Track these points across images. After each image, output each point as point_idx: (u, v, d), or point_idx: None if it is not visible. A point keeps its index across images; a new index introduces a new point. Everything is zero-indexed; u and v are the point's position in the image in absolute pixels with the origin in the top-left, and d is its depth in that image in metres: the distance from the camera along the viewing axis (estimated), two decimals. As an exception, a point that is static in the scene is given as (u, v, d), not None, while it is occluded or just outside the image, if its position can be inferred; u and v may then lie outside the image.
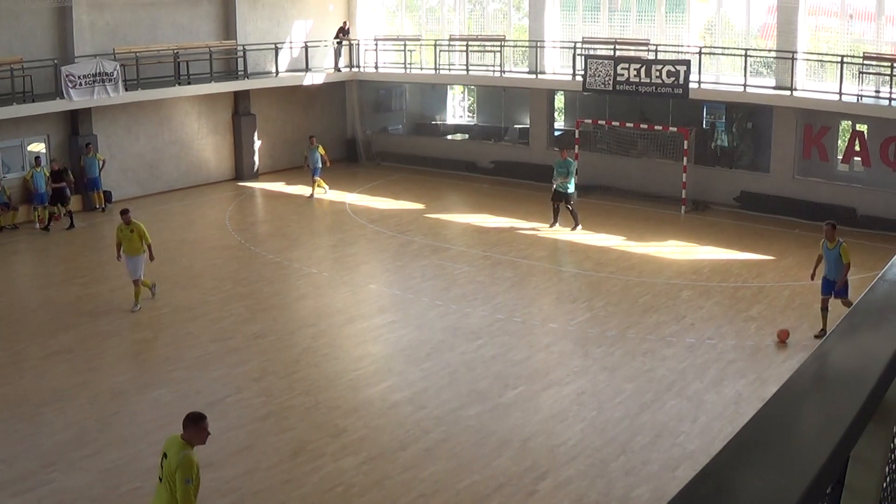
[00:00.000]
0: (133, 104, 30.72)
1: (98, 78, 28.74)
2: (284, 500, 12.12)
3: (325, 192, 31.09)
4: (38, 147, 29.70)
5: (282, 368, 16.69)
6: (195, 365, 17.03)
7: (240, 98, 34.06)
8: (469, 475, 12.94)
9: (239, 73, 33.31)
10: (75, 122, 29.92)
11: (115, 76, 29.10)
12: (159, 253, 20.50)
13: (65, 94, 28.18)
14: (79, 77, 28.34)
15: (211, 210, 30.69)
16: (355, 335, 18.76)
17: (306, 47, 34.55)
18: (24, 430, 14.40)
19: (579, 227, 25.51)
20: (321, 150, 30.68)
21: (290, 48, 35.27)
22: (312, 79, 34.62)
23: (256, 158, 34.72)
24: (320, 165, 30.73)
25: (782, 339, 17.35)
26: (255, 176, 34.43)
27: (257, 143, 34.61)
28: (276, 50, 34.07)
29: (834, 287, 17.00)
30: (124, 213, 20.16)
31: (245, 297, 21.05)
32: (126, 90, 29.59)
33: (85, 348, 18.05)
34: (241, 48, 32.90)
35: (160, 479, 9.43)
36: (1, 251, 26.21)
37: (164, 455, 9.36)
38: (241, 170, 34.34)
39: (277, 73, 34.47)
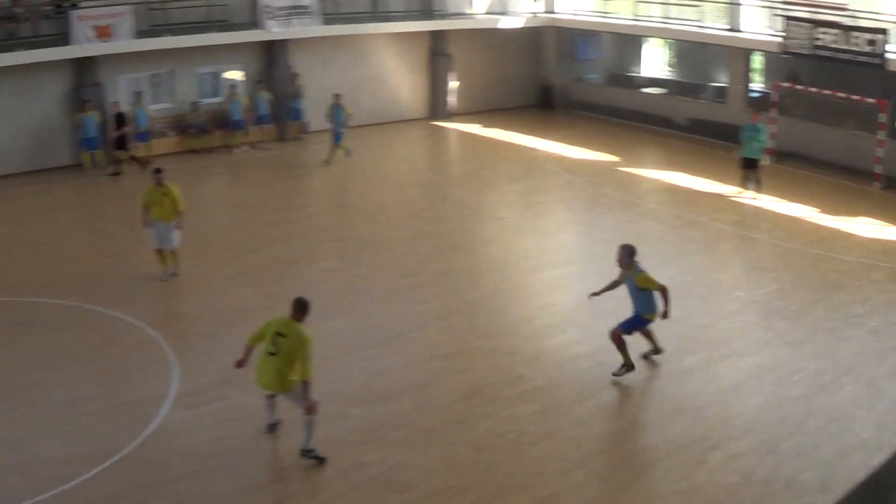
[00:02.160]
0: (330, 38, 31.50)
1: (295, 10, 29.68)
2: (454, 440, 12.33)
3: (349, 156, 28.78)
4: (235, 75, 31.12)
5: (464, 309, 16.90)
6: (378, 298, 17.48)
7: (436, 38, 34.37)
8: (642, 437, 12.95)
9: (436, 12, 33.66)
10: (273, 52, 31.02)
11: (311, 9, 29.96)
12: (357, 185, 20.90)
13: (262, 26, 29.33)
14: (276, 9, 29.39)
15: (403, 147, 31.33)
16: (540, 283, 18.79)
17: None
18: (203, 346, 15.26)
19: (761, 194, 24.64)
20: (347, 110, 28.43)
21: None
22: (509, 22, 34.58)
23: (452, 98, 34.98)
24: (345, 129, 28.32)
25: None
26: (450, 116, 34.78)
27: (453, 83, 34.84)
28: (474, -10, 34.17)
29: None
30: (157, 171, 18.72)
31: (433, 235, 21.42)
32: (323, 24, 30.47)
33: (268, 273, 18.82)
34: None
35: (272, 354, 11.42)
36: (197, 173, 27.74)
37: (279, 334, 11.43)
38: (435, 109, 34.76)
39: (474, 14, 34.59)
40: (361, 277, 18.61)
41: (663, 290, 13.86)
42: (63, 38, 26.95)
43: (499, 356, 14.89)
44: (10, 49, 26.48)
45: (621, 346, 14.00)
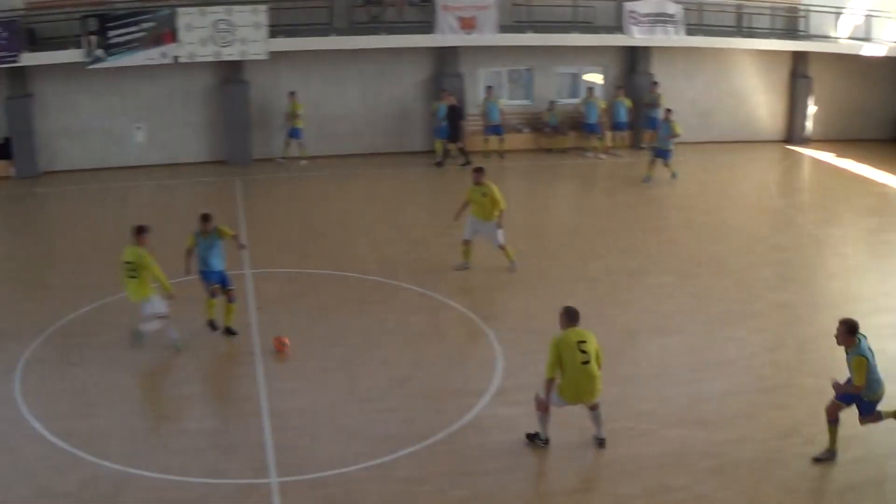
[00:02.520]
0: (693, 50, 30.93)
1: (659, 18, 29.40)
2: (765, 478, 11.69)
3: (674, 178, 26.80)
4: (594, 78, 31.23)
5: (795, 344, 16.03)
6: (711, 320, 16.90)
7: (798, 59, 32.87)
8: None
9: (800, 33, 32.31)
10: (634, 58, 30.91)
11: (676, 18, 29.55)
12: (703, 202, 20.47)
13: (626, 31, 29.31)
14: (641, 15, 29.21)
15: (755, 169, 30.19)
16: (876, 327, 17.66)
17: (869, 16, 32.63)
18: (530, 345, 15.03)
19: None
20: (676, 129, 26.50)
21: (853, 15, 33.42)
22: (873, 50, 32.64)
23: (808, 123, 33.62)
24: (671, 147, 26.47)
25: None
26: (805, 141, 33.33)
27: (811, 108, 33.42)
28: (838, 14, 32.55)
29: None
30: (477, 171, 18.89)
31: (773, 263, 20.49)
32: (686, 34, 30.00)
33: (605, 280, 18.63)
34: (803, 8, 31.70)
35: (585, 363, 11.54)
36: (546, 173, 28.25)
37: (583, 341, 11.64)
38: (792, 133, 33.29)
39: (838, 38, 32.97)
40: (697, 297, 18.10)
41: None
42: (427, 26, 28.07)
43: (824, 396, 14.18)
44: (375, 32, 28.14)
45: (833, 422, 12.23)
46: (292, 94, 28.29)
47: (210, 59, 27.40)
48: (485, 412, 13.09)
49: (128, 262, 14.71)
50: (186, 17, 26.69)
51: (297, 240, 21.52)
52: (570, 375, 11.69)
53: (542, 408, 11.98)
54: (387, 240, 21.34)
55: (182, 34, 26.74)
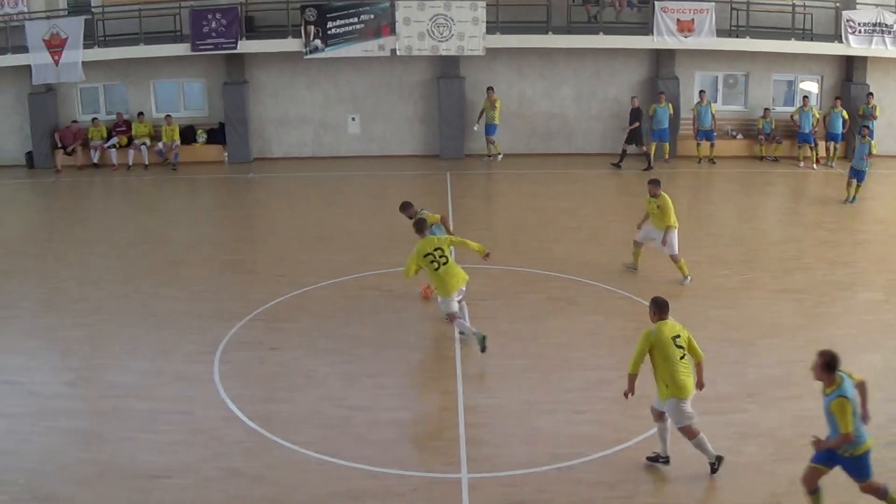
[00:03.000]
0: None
1: (877, 28, 28.18)
2: None
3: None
4: (809, 86, 30.28)
5: None
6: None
7: None
8: None
9: None
10: (850, 68, 29.72)
11: (893, 29, 28.22)
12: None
13: (843, 39, 28.24)
14: (859, 24, 28.11)
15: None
16: None
17: None
18: (732, 355, 14.93)
19: None
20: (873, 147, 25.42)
21: None
22: None
23: None
24: (866, 166, 24.85)
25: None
26: None
27: None
28: None
29: None
30: (653, 183, 18.43)
31: None
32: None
33: (812, 293, 18.07)
34: None
35: (682, 357, 11.21)
36: (753, 179, 27.58)
37: (676, 337, 11.29)
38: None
39: None
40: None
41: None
42: (644, 28, 27.89)
43: None
44: (593, 32, 28.07)
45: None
46: (490, 89, 28.55)
47: (427, 53, 27.95)
48: (682, 421, 12.89)
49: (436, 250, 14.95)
50: (405, 11, 27.31)
51: (504, 237, 21.65)
52: (679, 373, 11.20)
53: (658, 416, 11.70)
54: (594, 241, 21.30)
55: (400, 27, 27.39)
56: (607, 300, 17.52)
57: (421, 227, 15.43)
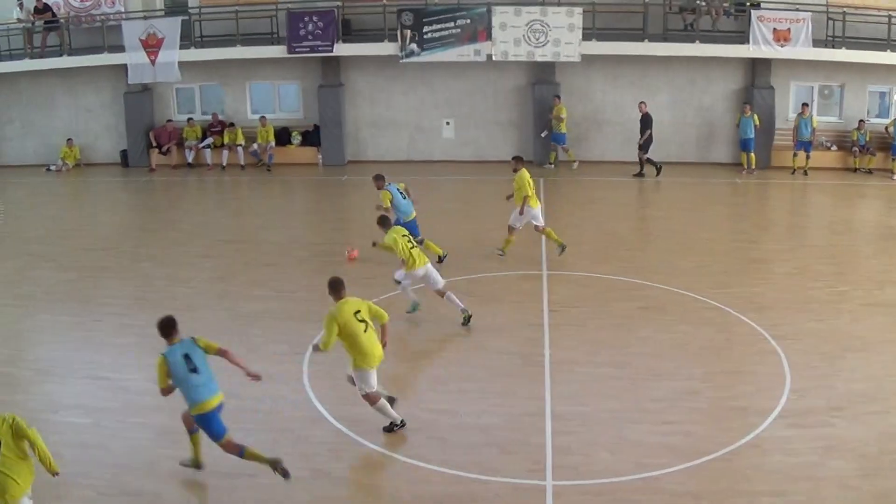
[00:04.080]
0: None
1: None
2: None
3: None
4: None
5: None
6: None
7: None
8: None
9: None
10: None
11: None
12: None
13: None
14: None
15: None
16: None
17: None
18: (821, 368, 14.73)
19: None
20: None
21: None
22: None
23: None
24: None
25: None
26: None
27: None
28: None
29: None
30: (514, 159, 19.87)
31: None
32: None
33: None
34: None
35: (365, 330, 12.43)
36: (846, 191, 27.18)
37: (358, 311, 12.59)
38: None
39: None
40: None
41: None
42: (740, 37, 27.62)
43: None
44: (689, 40, 27.87)
45: None
46: (557, 97, 28.48)
47: (523, 59, 28.02)
48: (767, 433, 12.69)
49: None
50: (501, 16, 27.43)
51: (595, 244, 21.63)
52: (355, 344, 12.52)
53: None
54: (683, 249, 21.12)
55: (496, 33, 27.51)
56: (697, 310, 17.36)
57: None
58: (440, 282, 16.80)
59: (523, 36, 27.49)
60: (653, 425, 13.01)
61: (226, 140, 30.46)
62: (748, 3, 27.82)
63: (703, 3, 28.27)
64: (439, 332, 16.40)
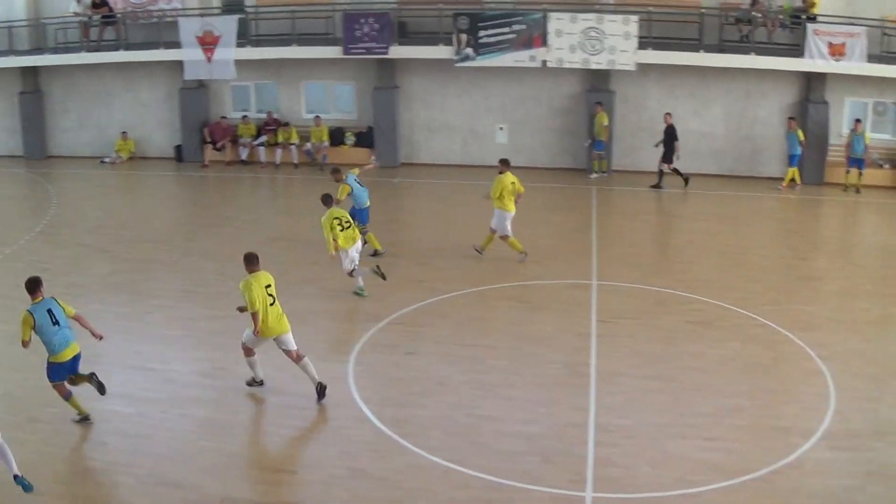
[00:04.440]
0: None
1: None
2: None
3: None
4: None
5: None
6: None
7: None
8: None
9: None
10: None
11: None
12: None
13: None
14: None
15: None
16: None
17: None
18: (866, 391, 14.61)
19: None
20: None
21: None
22: None
23: None
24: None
25: None
26: None
27: None
28: None
29: None
30: (500, 161, 20.42)
31: None
32: None
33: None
34: None
35: (272, 304, 14.23)
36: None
37: (269, 285, 13.88)
38: None
39: None
40: None
41: None
42: (796, 50, 27.40)
43: None
44: (744, 52, 27.72)
45: None
46: (599, 104, 28.44)
47: (578, 66, 27.99)
48: (809, 454, 12.61)
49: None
50: (557, 23, 27.43)
51: (646, 256, 21.65)
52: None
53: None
54: (733, 264, 20.98)
55: (552, 39, 27.50)
56: (746, 327, 17.25)
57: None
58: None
59: (579, 43, 27.48)
60: (696, 441, 12.98)
61: (280, 139, 30.70)
62: (804, 17, 27.57)
63: (759, 15, 28.09)
64: (487, 339, 16.44)
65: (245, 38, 29.91)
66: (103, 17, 31.65)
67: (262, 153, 30.89)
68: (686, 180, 27.79)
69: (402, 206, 26.75)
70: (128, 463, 12.55)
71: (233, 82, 31.52)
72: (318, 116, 30.42)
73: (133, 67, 32.02)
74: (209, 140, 31.31)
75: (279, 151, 30.59)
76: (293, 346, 14.04)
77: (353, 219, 19.03)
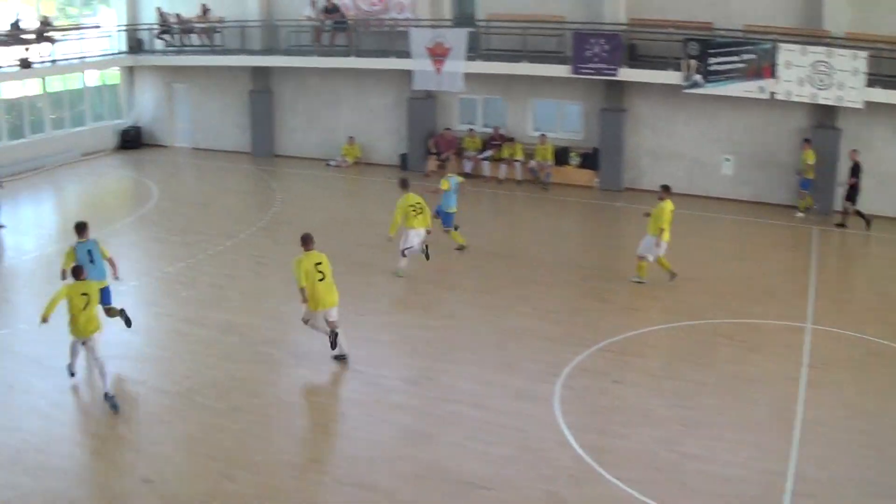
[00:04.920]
0: None
1: None
2: None
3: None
4: None
5: None
6: None
7: None
8: None
9: None
10: None
11: None
12: None
13: None
14: None
15: None
16: None
17: None
18: None
19: None
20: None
21: None
22: None
23: None
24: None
25: None
26: None
27: None
28: None
29: None
30: (661, 188, 20.49)
31: None
32: None
33: None
34: None
35: (321, 279, 16.04)
36: None
37: (320, 263, 15.76)
38: None
39: None
40: None
41: None
42: None
43: None
44: None
45: None
46: (807, 140, 27.41)
47: (805, 100, 27.03)
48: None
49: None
50: (787, 54, 26.57)
51: (862, 302, 20.66)
52: (310, 288, 15.59)
53: None
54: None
55: (780, 70, 26.69)
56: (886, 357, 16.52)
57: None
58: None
59: (807, 76, 26.55)
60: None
61: (504, 154, 30.91)
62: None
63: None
64: (697, 374, 16.05)
65: (475, 51, 30.26)
66: (335, 22, 32.72)
67: (487, 167, 31.14)
68: (868, 222, 26.39)
69: (624, 231, 26.35)
70: (324, 461, 12.96)
71: (461, 95, 31.94)
72: (543, 134, 30.45)
73: (363, 74, 32.99)
74: (434, 151, 31.83)
75: (503, 167, 30.78)
76: (335, 318, 15.90)
77: (436, 216, 22.12)
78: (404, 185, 21.21)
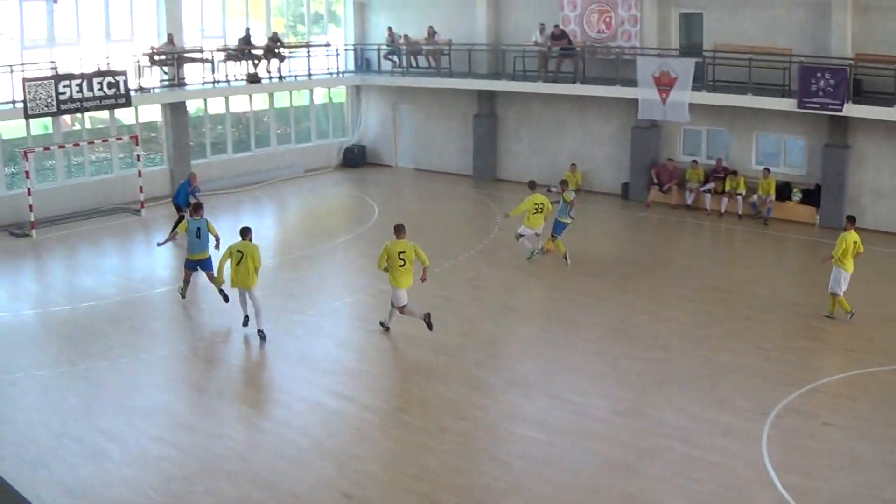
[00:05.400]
0: None
1: None
2: None
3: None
4: None
5: None
6: None
7: None
8: None
9: None
10: None
11: None
12: None
13: None
14: None
15: None
16: None
17: None
18: None
19: None
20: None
21: None
22: None
23: None
24: None
25: None
26: None
27: None
28: None
29: None
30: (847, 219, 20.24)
31: None
32: None
33: None
34: None
35: (402, 265, 18.58)
36: None
37: (403, 251, 18.50)
38: None
39: None
40: None
41: None
42: None
43: None
44: None
45: None
46: None
47: None
48: None
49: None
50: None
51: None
52: (392, 271, 18.58)
53: None
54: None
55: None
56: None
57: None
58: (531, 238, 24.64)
59: None
60: None
61: (727, 187, 30.66)
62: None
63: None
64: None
65: (701, 82, 30.20)
66: (562, 49, 33.23)
67: (708, 200, 30.99)
68: None
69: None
70: (527, 487, 13.28)
71: (685, 125, 31.90)
72: (767, 168, 30.07)
73: (587, 101, 33.45)
74: (656, 181, 31.91)
75: (725, 200, 30.58)
76: (405, 301, 18.66)
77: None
78: (532, 186, 25.04)
